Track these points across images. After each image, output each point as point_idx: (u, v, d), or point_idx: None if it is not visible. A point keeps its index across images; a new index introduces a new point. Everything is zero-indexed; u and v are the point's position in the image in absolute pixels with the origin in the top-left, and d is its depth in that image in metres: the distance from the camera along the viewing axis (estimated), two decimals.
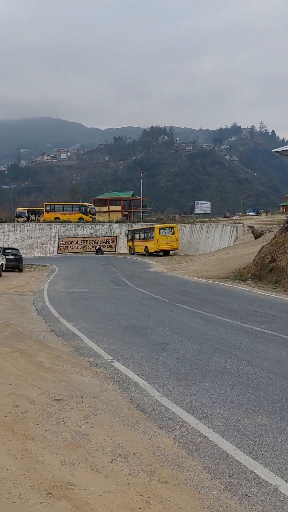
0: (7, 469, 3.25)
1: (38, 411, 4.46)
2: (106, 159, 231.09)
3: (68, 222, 49.70)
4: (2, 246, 26.19)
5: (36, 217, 54.51)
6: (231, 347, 7.02)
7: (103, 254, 43.73)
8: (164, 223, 44.31)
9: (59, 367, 6.14)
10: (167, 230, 35.99)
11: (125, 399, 4.82)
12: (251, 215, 78.28)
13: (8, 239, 47.73)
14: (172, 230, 35.97)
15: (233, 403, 4.61)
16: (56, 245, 47.99)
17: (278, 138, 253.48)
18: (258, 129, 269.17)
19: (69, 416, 4.32)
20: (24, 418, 4.26)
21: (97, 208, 61.63)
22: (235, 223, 38.43)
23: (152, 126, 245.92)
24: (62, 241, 48.00)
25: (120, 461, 3.43)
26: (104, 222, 51.91)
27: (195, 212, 47.31)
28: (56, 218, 51.04)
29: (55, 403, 4.70)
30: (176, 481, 3.13)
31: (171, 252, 36.78)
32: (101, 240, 47.63)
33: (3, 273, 23.24)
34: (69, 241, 48.04)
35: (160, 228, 36.00)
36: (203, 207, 47.17)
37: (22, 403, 4.67)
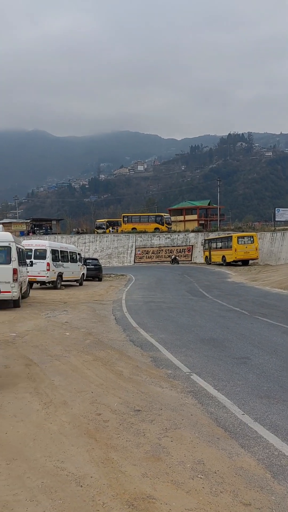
0: (91, 477, 3.35)
1: (119, 420, 4.55)
2: (182, 168, 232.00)
3: (144, 232, 50.64)
4: (83, 257, 27.40)
5: (115, 228, 56.32)
6: None
7: (178, 263, 43.78)
8: (243, 231, 43.29)
9: (138, 377, 6.23)
10: (246, 239, 35.11)
11: (205, 415, 4.74)
12: None
13: (88, 249, 49.82)
14: (251, 239, 35.01)
15: None
16: (133, 255, 49.07)
17: None
18: None
19: (149, 428, 4.36)
20: (106, 427, 4.38)
21: (173, 218, 61.99)
22: None
23: (229, 133, 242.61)
24: (139, 251, 48.96)
25: (201, 478, 3.38)
26: (179, 231, 52.06)
27: (276, 219, 45.55)
28: (133, 228, 52.31)
29: (135, 413, 4.77)
30: (260, 505, 3.01)
31: (250, 261, 35.76)
32: (176, 250, 47.78)
33: (84, 282, 24.30)
34: (145, 250, 48.87)
35: (238, 237, 35.22)
36: (285, 214, 45.33)
37: (104, 411, 4.81)
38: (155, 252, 48.63)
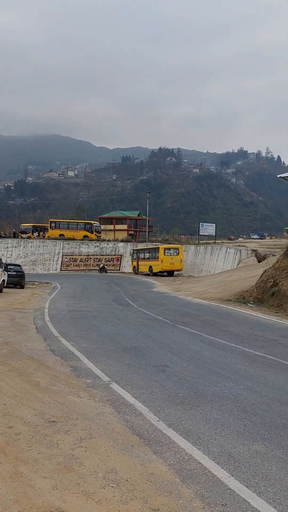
0: None
1: (32, 433, 4.42)
2: (114, 178, 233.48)
3: (73, 239, 49.94)
4: (4, 262, 26.25)
5: (41, 234, 54.86)
6: (230, 371, 6.95)
7: (107, 272, 43.77)
8: (169, 243, 44.45)
9: (55, 387, 6.10)
10: (172, 251, 36.08)
11: (121, 423, 4.77)
12: (255, 239, 78.45)
13: (11, 254, 47.90)
14: (177, 251, 36.06)
15: (229, 429, 4.55)
16: (59, 262, 48.13)
17: (284, 163, 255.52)
18: (264, 154, 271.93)
19: (63, 439, 4.28)
20: (17, 440, 4.22)
21: (103, 227, 61.97)
22: (239, 246, 38.50)
23: (160, 147, 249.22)
24: (66, 258, 48.16)
25: (113, 487, 3.38)
26: (109, 240, 52.13)
27: (200, 233, 47.51)
28: (60, 235, 51.33)
29: (50, 425, 4.66)
30: (168, 509, 3.08)
31: (175, 272, 36.77)
32: (105, 259, 47.75)
33: (5, 290, 23.27)
34: (73, 258, 48.20)
35: (165, 249, 36.10)
36: (208, 229, 47.43)
37: (16, 424, 4.64)
38: (83, 260, 48.14)
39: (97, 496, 3.22)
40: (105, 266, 45.33)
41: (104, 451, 4.04)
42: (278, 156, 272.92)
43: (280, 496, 3.22)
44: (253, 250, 33.57)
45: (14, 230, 58.51)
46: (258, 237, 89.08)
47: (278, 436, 4.35)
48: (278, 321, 12.74)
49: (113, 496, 3.23)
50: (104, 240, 52.37)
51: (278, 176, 31.84)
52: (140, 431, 4.53)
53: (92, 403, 5.42)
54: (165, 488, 3.37)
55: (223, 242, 47.43)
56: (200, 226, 47.17)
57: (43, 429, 4.54)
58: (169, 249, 36.45)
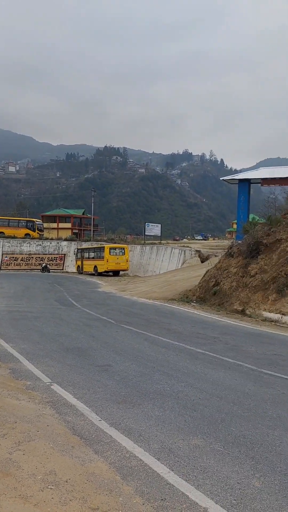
0: None
1: None
2: (58, 175, 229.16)
3: (14, 237, 48.32)
4: None
5: None
6: (172, 369, 7.07)
7: (49, 272, 42.85)
8: (115, 243, 44.37)
9: None
10: (117, 251, 36.04)
11: (62, 424, 4.69)
12: (199, 239, 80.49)
13: None
14: (123, 251, 36.08)
15: (170, 425, 4.62)
16: None
17: (226, 166, 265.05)
18: (208, 157, 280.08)
19: (0, 443, 4.13)
20: None
21: (46, 225, 60.59)
22: (184, 246, 39.31)
23: (106, 146, 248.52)
24: (6, 257, 46.52)
25: (52, 489, 3.31)
26: (52, 239, 51.03)
27: (146, 234, 47.87)
28: (0, 233, 49.53)
29: None
30: (107, 508, 3.07)
31: (121, 272, 36.79)
32: (48, 258, 46.72)
33: None
34: (13, 257, 46.64)
35: (110, 248, 35.98)
36: (153, 229, 47.91)
37: None
38: (25, 259, 46.73)
39: (35, 499, 3.14)
40: (48, 266, 44.35)
41: (43, 453, 3.95)
42: (221, 159, 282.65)
43: (218, 488, 3.32)
44: (196, 250, 34.41)
45: None
46: (201, 238, 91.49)
47: (216, 430, 4.49)
48: (219, 319, 13.16)
49: (52, 498, 3.17)
50: (47, 238, 51.19)
51: (221, 179, 32.89)
52: (81, 431, 4.48)
53: (32, 405, 5.28)
54: (105, 487, 3.36)
55: (168, 243, 48.17)
56: (146, 226, 47.55)
57: None
58: (114, 248, 36.39)
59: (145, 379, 6.43)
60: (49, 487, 3.34)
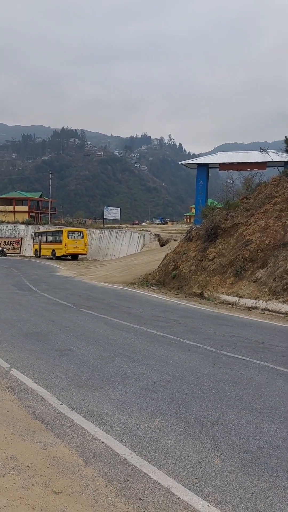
0: None
1: None
2: (13, 157, 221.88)
3: None
4: None
5: None
6: (133, 352, 7.13)
7: (6, 256, 41.74)
8: (74, 226, 43.78)
9: None
10: (76, 234, 35.59)
11: (22, 409, 4.63)
12: (158, 224, 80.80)
13: None
14: (81, 235, 35.68)
15: (132, 407, 4.68)
16: None
17: (185, 151, 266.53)
18: (166, 141, 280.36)
19: None
20: None
21: (1, 208, 58.82)
22: (143, 230, 39.39)
23: (63, 128, 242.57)
24: None
25: (13, 474, 3.27)
26: (8, 222, 49.64)
27: (105, 217, 47.50)
28: None
29: None
30: (70, 491, 3.08)
31: (80, 256, 36.44)
32: (4, 242, 45.44)
33: None
34: None
35: (69, 232, 35.47)
36: (112, 213, 47.59)
37: None
38: None
39: None
40: (4, 250, 43.14)
41: (4, 439, 3.88)
42: (180, 144, 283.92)
43: (179, 467, 3.41)
44: (156, 234, 34.59)
45: None
46: (160, 222, 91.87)
47: (177, 410, 4.59)
48: (178, 302, 13.37)
49: (14, 483, 3.13)
50: (3, 222, 49.72)
51: (180, 163, 33.03)
52: (43, 416, 4.45)
53: None
54: (68, 470, 3.36)
55: (127, 227, 48.06)
56: (105, 210, 47.14)
57: None
58: (73, 232, 35.92)
59: (106, 363, 6.46)
60: (11, 472, 3.30)
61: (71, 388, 5.30)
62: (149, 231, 37.38)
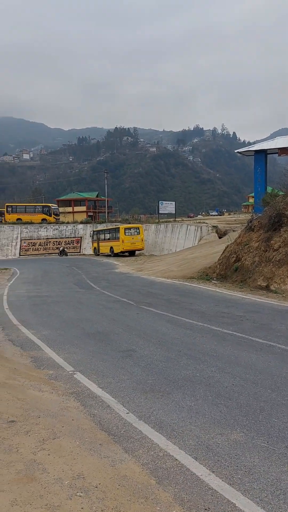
0: None
1: None
2: (70, 159, 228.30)
3: (31, 223, 48.38)
4: None
5: None
6: (200, 352, 6.69)
7: (67, 255, 42.81)
8: (130, 223, 43.94)
9: (15, 381, 5.59)
10: (132, 230, 35.62)
11: (88, 418, 4.37)
12: (214, 215, 79.18)
13: None
14: (138, 230, 35.65)
15: (205, 417, 4.25)
16: (18, 247, 46.56)
17: (239, 139, 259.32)
18: (220, 131, 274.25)
19: (23, 442, 3.82)
20: None
21: (61, 209, 60.46)
22: (199, 223, 38.61)
23: (116, 127, 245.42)
24: (25, 243, 46.64)
25: (81, 496, 2.98)
26: (68, 223, 50.91)
27: (160, 212, 47.22)
28: (18, 219, 49.60)
29: (8, 425, 4.18)
30: None
31: (137, 252, 36.45)
32: (65, 241, 46.65)
33: None
34: (31, 242, 46.74)
35: (125, 228, 35.58)
36: (167, 207, 47.17)
37: None
38: (43, 244, 46.80)
39: (62, 510, 2.81)
40: (65, 249, 44.29)
41: (70, 453, 3.62)
42: (234, 133, 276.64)
43: (268, 493, 2.94)
44: (213, 226, 33.70)
45: None
46: (217, 213, 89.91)
47: (256, 421, 4.10)
48: (243, 296, 12.69)
49: (82, 508, 2.83)
50: (63, 222, 51.09)
51: (235, 151, 31.82)
52: (109, 426, 4.15)
53: (55, 397, 4.98)
54: (140, 493, 3.01)
55: (183, 220, 47.44)
56: (160, 205, 46.82)
57: (1, 431, 4.05)
58: (129, 228, 35.97)
59: (172, 365, 6.07)
60: (78, 494, 3.01)
61: (137, 394, 4.97)
62: (206, 223, 36.54)
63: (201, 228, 33.44)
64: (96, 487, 3.09)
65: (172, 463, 3.38)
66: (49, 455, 3.59)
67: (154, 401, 4.73)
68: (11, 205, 54.38)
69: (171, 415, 4.31)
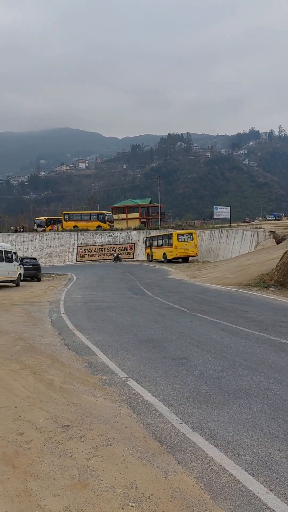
0: None
1: (44, 440, 4.02)
2: (124, 167, 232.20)
3: (87, 230, 49.72)
4: (20, 256, 26.14)
5: (55, 226, 54.74)
6: (256, 363, 6.45)
7: (121, 261, 43.43)
8: (183, 229, 43.78)
9: (70, 386, 5.71)
10: (185, 236, 35.44)
11: (140, 426, 4.33)
12: (271, 220, 76.72)
13: (27, 248, 47.99)
14: (191, 236, 35.40)
15: (262, 431, 4.06)
16: (74, 253, 47.98)
17: None
18: (277, 133, 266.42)
19: (77, 447, 3.87)
20: (28, 449, 3.83)
21: (115, 216, 61.58)
22: (256, 228, 37.60)
23: (169, 133, 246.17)
24: (81, 249, 47.98)
25: (133, 506, 2.95)
26: (122, 229, 51.73)
27: (214, 217, 46.61)
28: (74, 226, 51.18)
29: (63, 430, 4.26)
30: None
31: (190, 258, 36.18)
32: (119, 248, 47.40)
33: (22, 283, 23.14)
34: (87, 249, 47.99)
35: (178, 234, 35.47)
36: (222, 212, 46.51)
37: (27, 430, 4.24)
38: (98, 250, 47.89)
39: None
40: (119, 255, 44.99)
41: (123, 461, 3.61)
42: None
43: None
44: (271, 231, 32.64)
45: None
46: (274, 218, 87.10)
47: None
48: None
49: None
50: (117, 229, 51.99)
51: None
52: (162, 435, 4.09)
53: (109, 403, 5.01)
54: (194, 508, 2.91)
55: (238, 225, 46.46)
56: (214, 210, 46.24)
57: (55, 436, 4.14)
58: (182, 234, 35.81)
59: (227, 375, 5.90)
60: (130, 504, 2.98)
61: (191, 404, 4.87)
62: (263, 228, 35.50)
63: (257, 233, 32.54)
64: (148, 498, 3.04)
65: (227, 478, 3.26)
66: (102, 462, 3.60)
67: (208, 411, 4.60)
68: (68, 213, 56.30)
69: (226, 427, 4.17)
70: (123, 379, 5.91)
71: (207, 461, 3.54)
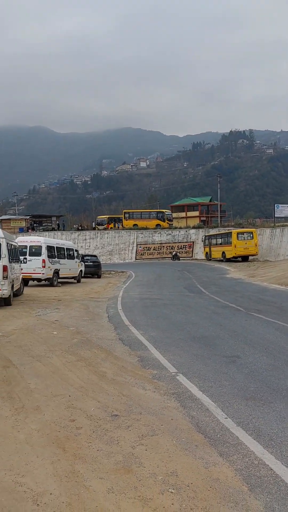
0: (51, 494, 3.06)
1: (93, 427, 4.27)
2: (185, 165, 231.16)
3: (146, 228, 50.33)
4: (81, 254, 27.12)
5: (116, 225, 56.00)
6: None
7: (179, 260, 43.48)
8: (243, 227, 42.93)
9: (121, 378, 5.94)
10: (245, 235, 34.75)
11: (186, 419, 4.45)
12: None
13: (89, 246, 49.55)
14: (251, 235, 34.65)
15: None
16: (134, 251, 48.77)
17: None
18: None
19: (124, 435, 4.07)
20: (78, 435, 4.09)
21: (175, 214, 61.70)
22: None
23: (231, 130, 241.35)
24: (140, 247, 48.66)
25: (172, 492, 3.08)
26: (180, 228, 51.74)
27: (276, 216, 45.18)
28: (134, 225, 52.01)
29: (112, 419, 4.48)
30: None
31: (250, 257, 35.42)
32: (177, 246, 47.46)
33: (82, 280, 24.04)
34: (146, 247, 48.57)
35: (238, 233, 34.87)
36: (284, 210, 45.01)
37: (79, 417, 4.52)
38: (157, 249, 48.34)
39: (154, 503, 2.95)
40: (178, 254, 45.04)
41: (166, 450, 3.75)
42: None
43: None
44: None
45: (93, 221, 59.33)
46: None
47: None
48: None
49: (172, 504, 2.93)
50: (176, 227, 52.09)
51: None
52: (206, 429, 4.18)
53: (157, 396, 5.17)
54: (231, 498, 2.99)
55: None
56: (276, 208, 44.85)
57: (104, 424, 4.37)
58: (242, 233, 35.14)
59: (277, 374, 5.83)
60: (170, 490, 3.12)
61: (237, 400, 4.90)
62: None
63: None
64: (188, 486, 3.16)
65: (267, 472, 3.29)
66: (146, 450, 3.77)
67: (254, 408, 4.61)
68: (128, 212, 57.30)
69: (271, 425, 4.17)
70: (173, 374, 6.05)
71: (248, 455, 3.59)
